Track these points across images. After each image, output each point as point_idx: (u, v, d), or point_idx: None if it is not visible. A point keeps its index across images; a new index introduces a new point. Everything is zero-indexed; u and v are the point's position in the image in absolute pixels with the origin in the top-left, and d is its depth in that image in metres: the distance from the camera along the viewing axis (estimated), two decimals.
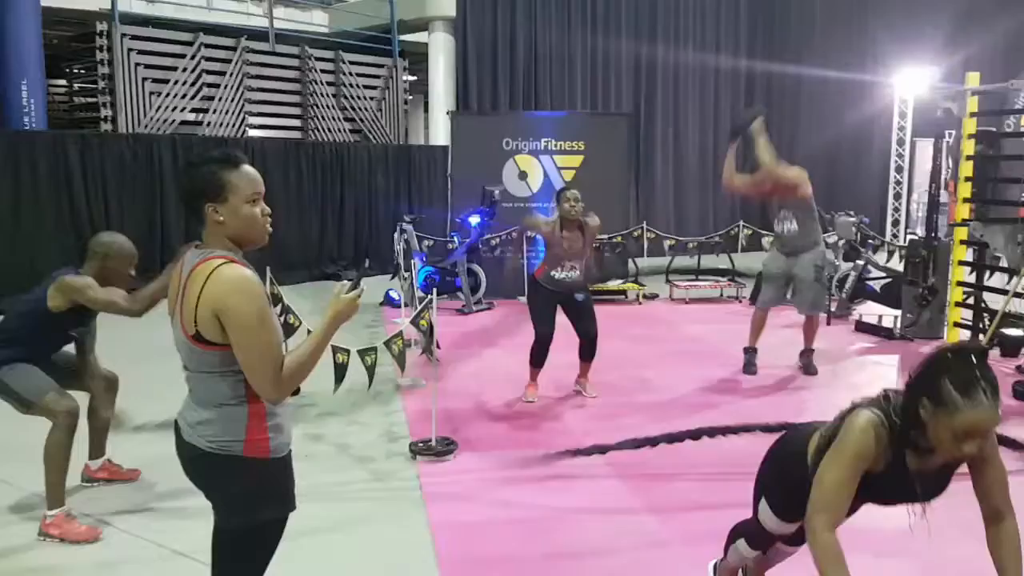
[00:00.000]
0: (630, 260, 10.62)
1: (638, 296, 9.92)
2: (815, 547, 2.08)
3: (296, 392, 5.92)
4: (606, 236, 10.01)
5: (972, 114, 7.28)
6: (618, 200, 10.60)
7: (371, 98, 13.44)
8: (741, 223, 11.63)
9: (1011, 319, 6.87)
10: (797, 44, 15.00)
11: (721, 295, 10.10)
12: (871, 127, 14.66)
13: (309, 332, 4.40)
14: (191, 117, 11.43)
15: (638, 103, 14.88)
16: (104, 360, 4.16)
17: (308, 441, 4.83)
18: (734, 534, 2.78)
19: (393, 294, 9.27)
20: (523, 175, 10.23)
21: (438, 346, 5.21)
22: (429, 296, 4.90)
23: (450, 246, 9.74)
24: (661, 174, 15.14)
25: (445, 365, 6.31)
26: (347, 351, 4.45)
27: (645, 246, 11.08)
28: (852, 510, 2.22)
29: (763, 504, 2.52)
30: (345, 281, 2.20)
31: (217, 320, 1.93)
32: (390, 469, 4.41)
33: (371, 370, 4.55)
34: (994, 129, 7.77)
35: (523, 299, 9.11)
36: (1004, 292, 6.93)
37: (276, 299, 5.35)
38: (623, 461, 4.39)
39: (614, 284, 10.04)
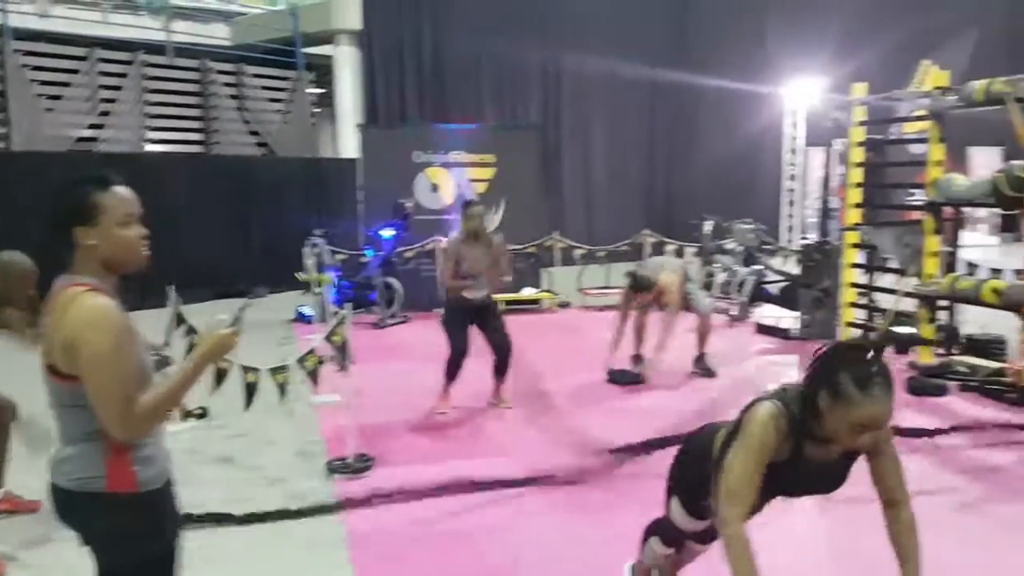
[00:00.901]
0: (543, 270, 10.78)
1: (551, 305, 10.06)
2: (725, 537, 2.16)
3: (203, 414, 5.80)
4: (519, 247, 10.12)
5: (859, 123, 7.70)
6: (530, 211, 10.74)
7: (276, 111, 13.23)
8: (647, 231, 11.92)
9: (900, 318, 7.28)
10: (699, 55, 15.47)
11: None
12: (766, 136, 15.24)
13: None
14: (88, 133, 11.03)
15: (546, 113, 15.09)
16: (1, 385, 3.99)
17: (219, 464, 4.73)
18: (648, 532, 2.87)
19: (305, 310, 9.14)
20: (435, 187, 10.26)
21: (353, 361, 5.18)
22: (343, 311, 4.88)
23: (363, 260, 9.68)
24: (571, 184, 15.39)
25: (361, 380, 6.26)
26: (257, 370, 4.39)
27: (557, 256, 11.24)
28: (759, 506, 2.31)
29: (674, 502, 2.62)
30: (221, 316, 2.11)
31: (70, 351, 1.84)
32: (306, 488, 4.36)
33: (283, 388, 4.49)
34: (880, 137, 8.22)
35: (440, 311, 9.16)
36: (894, 292, 7.35)
37: (180, 320, 5.22)
38: (542, 469, 4.45)
39: (528, 294, 10.17)
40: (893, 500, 2.26)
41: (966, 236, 10.08)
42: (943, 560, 2.36)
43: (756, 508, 2.30)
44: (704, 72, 14.91)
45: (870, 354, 2.06)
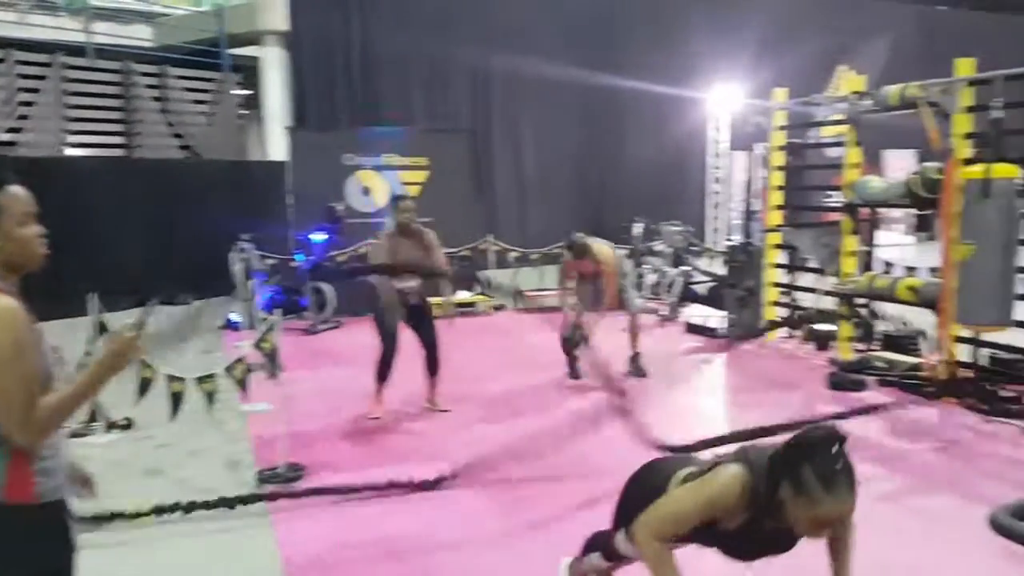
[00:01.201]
0: (478, 273, 10.81)
1: (487, 308, 10.10)
2: (645, 555, 2.21)
3: (128, 425, 5.66)
4: (454, 250, 10.13)
5: (779, 127, 7.95)
6: (464, 214, 10.77)
7: (201, 114, 12.93)
8: (580, 234, 12.04)
9: (821, 315, 7.54)
10: (626, 59, 15.69)
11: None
12: (692, 140, 15.57)
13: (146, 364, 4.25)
14: (5, 137, 10.60)
15: (478, 116, 15.11)
16: None
17: (146, 475, 4.62)
18: (591, 545, 2.85)
19: (234, 317, 8.98)
20: (367, 191, 10.19)
21: (283, 369, 5.11)
22: (272, 317, 4.82)
23: (293, 265, 9.55)
24: (503, 187, 15.43)
25: (291, 387, 6.18)
26: (182, 379, 4.31)
27: (492, 259, 11.29)
28: (688, 541, 2.31)
29: (620, 534, 2.57)
30: (127, 320, 2.08)
31: None
32: (236, 499, 4.28)
33: (211, 397, 4.42)
34: (800, 141, 8.49)
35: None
36: (814, 291, 7.61)
37: (102, 328, 5.09)
38: (473, 472, 4.48)
39: (463, 297, 10.18)
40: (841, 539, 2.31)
41: (882, 236, 10.50)
42: (865, 550, 2.46)
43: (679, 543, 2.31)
44: (631, 76, 15.13)
45: (836, 447, 2.02)
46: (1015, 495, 3.82)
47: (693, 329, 8.64)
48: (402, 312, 5.62)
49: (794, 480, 2.00)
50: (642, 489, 2.52)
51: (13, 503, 1.88)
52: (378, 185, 10.24)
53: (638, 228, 11.64)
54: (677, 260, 10.28)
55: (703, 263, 10.88)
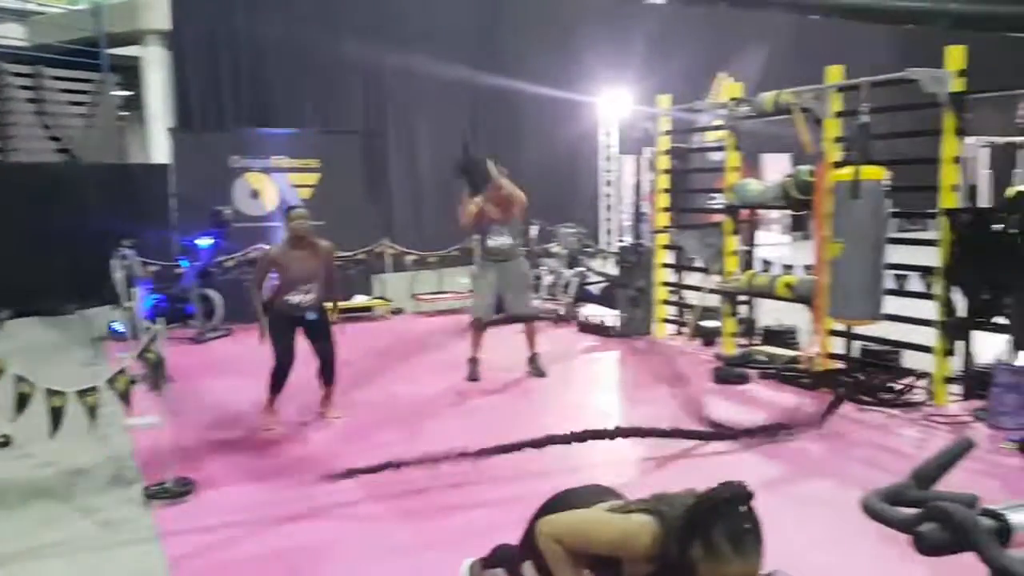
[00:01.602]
0: (374, 277, 10.72)
1: (384, 312, 10.04)
2: (547, 552, 2.22)
3: (6, 443, 5.39)
4: (349, 253, 10.01)
5: (665, 132, 8.22)
6: (358, 217, 10.64)
7: (79, 115, 12.35)
8: (476, 236, 12.11)
9: (707, 312, 7.85)
10: (516, 61, 15.87)
11: (464, 306, 10.46)
12: (584, 144, 15.91)
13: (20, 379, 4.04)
14: None
15: (371, 117, 15.00)
16: None
17: (27, 495, 4.39)
18: (497, 559, 2.85)
19: (117, 326, 8.61)
20: (255, 194, 9.96)
21: (169, 379, 4.96)
22: (156, 326, 4.66)
23: (178, 271, 9.23)
24: (398, 190, 15.36)
25: (179, 399, 5.98)
26: (63, 393, 4.12)
27: (388, 262, 11.21)
28: (586, 567, 2.30)
29: (528, 566, 2.54)
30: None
31: None
32: (122, 517, 4.13)
33: (92, 411, 4.23)
34: (684, 145, 8.81)
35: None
36: (699, 289, 7.91)
37: None
38: (374, 482, 4.45)
39: (359, 301, 10.07)
40: None
41: (762, 236, 10.99)
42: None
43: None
44: (523, 78, 15.31)
45: (744, 507, 2.07)
46: (886, 480, 4.08)
47: (588, 328, 8.83)
48: (296, 323, 5.53)
49: (705, 541, 2.03)
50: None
51: None
52: (267, 188, 10.01)
53: (534, 230, 11.81)
54: (572, 261, 10.48)
55: (597, 264, 11.13)
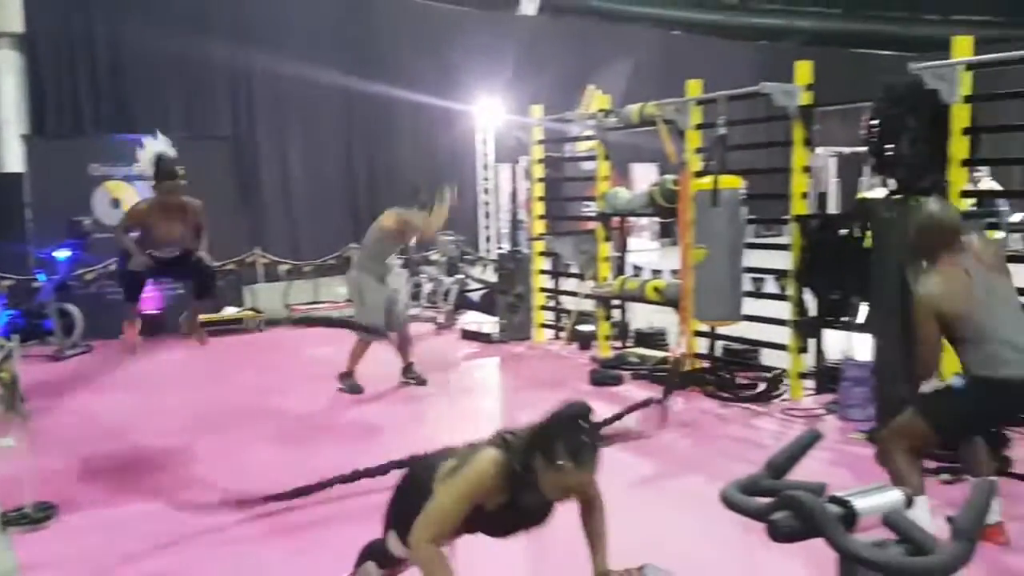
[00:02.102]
0: (245, 288, 10.42)
1: (258, 324, 9.77)
2: (418, 559, 2.31)
3: None
4: (218, 263, 9.66)
5: (538, 142, 8.42)
6: (227, 226, 10.26)
7: None
8: (353, 245, 11.98)
9: (583, 317, 8.07)
10: (389, 66, 15.75)
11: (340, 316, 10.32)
12: (462, 151, 15.99)
13: None
14: None
15: (240, 122, 14.55)
16: None
17: None
18: (364, 555, 2.88)
19: None
20: (117, 203, 9.48)
21: (24, 399, 4.67)
22: (9, 343, 4.40)
23: (35, 285, 8.69)
24: (270, 198, 14.96)
25: (37, 419, 5.65)
26: None
27: (260, 272, 10.92)
28: (459, 533, 2.47)
29: (391, 535, 2.65)
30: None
31: None
32: None
33: None
34: (557, 155, 9.03)
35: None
36: (575, 294, 8.13)
37: None
38: (251, 495, 4.35)
39: (230, 313, 9.76)
40: (588, 501, 2.57)
41: (633, 242, 11.38)
42: (625, 534, 2.71)
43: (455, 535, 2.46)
44: (397, 84, 15.24)
45: (584, 422, 2.31)
46: (749, 471, 4.36)
47: (468, 335, 8.91)
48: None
49: (547, 453, 2.26)
50: (409, 488, 2.65)
51: None
52: (129, 197, 9.55)
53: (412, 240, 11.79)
54: (451, 269, 10.53)
55: (477, 271, 11.23)
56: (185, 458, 5.17)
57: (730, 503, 1.68)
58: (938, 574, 1.37)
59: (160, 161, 5.48)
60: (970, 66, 4.59)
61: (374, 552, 2.83)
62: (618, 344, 7.79)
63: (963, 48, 4.69)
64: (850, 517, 1.53)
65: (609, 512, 2.64)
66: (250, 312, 9.95)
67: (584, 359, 7.63)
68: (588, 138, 8.03)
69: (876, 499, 1.56)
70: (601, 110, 7.53)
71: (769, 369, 6.42)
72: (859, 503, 1.54)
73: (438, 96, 15.51)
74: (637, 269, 7.69)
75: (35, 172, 9.47)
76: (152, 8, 13.26)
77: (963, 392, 3.42)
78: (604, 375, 6.85)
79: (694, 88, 6.72)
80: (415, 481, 2.63)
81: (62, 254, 8.42)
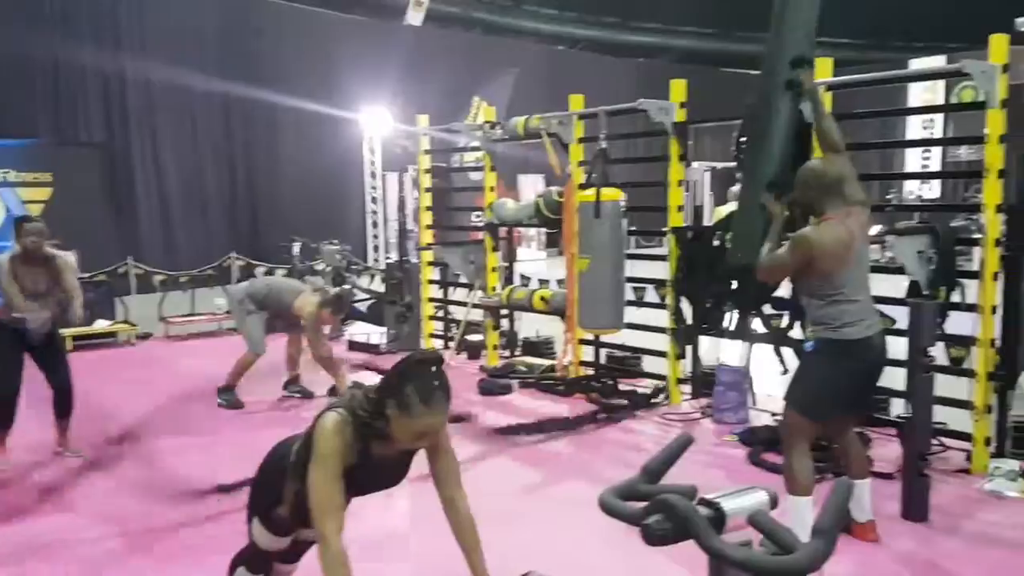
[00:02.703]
0: (118, 299, 9.94)
1: (129, 337, 9.34)
2: (326, 556, 2.27)
3: None
4: (87, 275, 9.19)
5: (425, 151, 8.42)
6: (99, 235, 9.86)
7: None
8: (234, 254, 11.65)
9: (472, 327, 8.12)
10: (270, 71, 15.42)
11: (219, 328, 9.99)
12: (348, 160, 15.81)
13: None
14: None
15: (113, 128, 13.95)
16: None
17: None
18: (234, 564, 2.85)
19: None
20: None
21: None
22: None
23: None
24: (145, 205, 14.38)
25: None
26: None
27: (133, 283, 10.46)
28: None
29: (255, 524, 2.67)
30: None
31: None
32: None
33: None
34: (445, 165, 9.07)
35: None
36: (464, 304, 8.17)
37: None
38: (116, 522, 4.16)
39: (101, 326, 9.29)
40: (451, 499, 2.53)
41: (522, 252, 11.54)
42: (512, 542, 2.75)
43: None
44: (280, 91, 14.93)
45: (434, 368, 2.33)
46: (629, 476, 4.49)
47: (356, 346, 8.80)
48: (24, 345, 5.02)
49: (398, 399, 2.29)
50: (265, 474, 2.67)
51: None
52: None
53: (296, 247, 11.53)
54: (337, 279, 10.37)
55: (365, 281, 11.10)
56: (47, 480, 4.89)
57: (607, 508, 1.74)
58: (796, 571, 1.46)
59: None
60: (830, 87, 4.90)
61: (243, 558, 2.80)
62: (507, 353, 7.87)
63: (824, 70, 5.01)
64: (720, 518, 1.60)
65: (495, 520, 2.67)
66: (123, 325, 9.50)
67: (473, 369, 7.67)
68: (475, 149, 8.10)
69: (743, 500, 1.64)
70: (487, 121, 7.61)
71: (650, 376, 6.64)
72: (727, 505, 1.62)
73: (324, 103, 15.29)
74: (525, 279, 7.81)
75: None
76: (19, 9, 12.54)
77: (815, 353, 3.64)
78: (492, 384, 6.91)
79: (576, 102, 6.89)
80: (270, 467, 2.65)
81: None
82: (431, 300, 8.64)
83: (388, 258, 11.83)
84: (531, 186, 15.60)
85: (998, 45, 4.52)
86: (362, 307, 9.88)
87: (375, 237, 14.75)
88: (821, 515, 1.53)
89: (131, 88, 14.19)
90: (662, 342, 6.37)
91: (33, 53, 12.62)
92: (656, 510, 1.60)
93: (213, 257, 12.34)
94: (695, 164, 15.97)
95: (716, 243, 5.82)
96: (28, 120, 12.57)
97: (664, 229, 6.31)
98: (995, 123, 4.51)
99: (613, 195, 6.19)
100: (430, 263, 8.56)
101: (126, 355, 8.88)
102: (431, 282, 8.63)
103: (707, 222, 7.49)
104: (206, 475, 4.65)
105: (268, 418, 6.26)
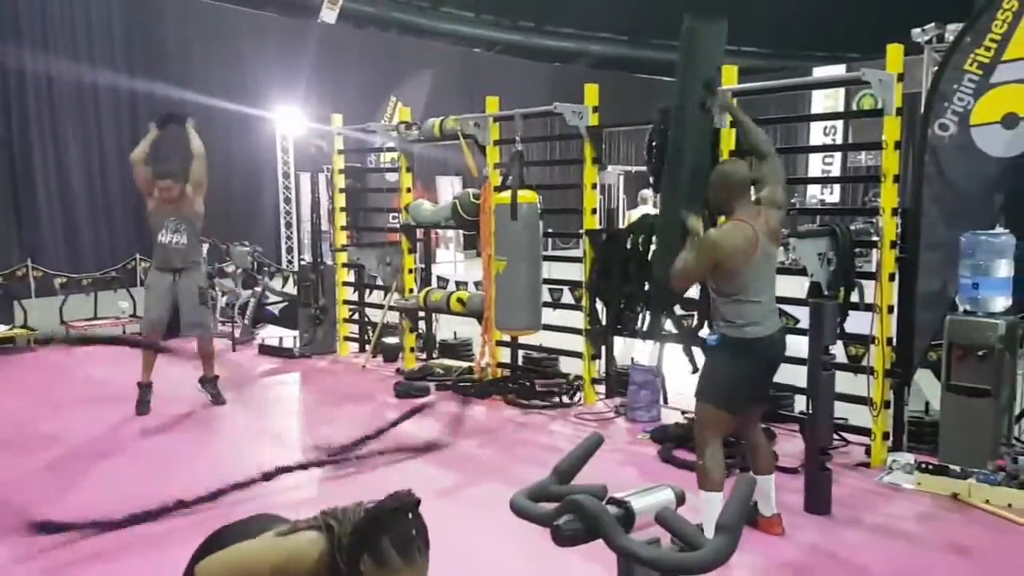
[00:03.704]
0: (16, 303, 9.47)
1: (29, 342, 8.90)
2: None
3: None
4: None
5: (339, 151, 8.31)
6: None
7: None
8: (138, 256, 11.25)
9: (388, 329, 8.04)
10: (179, 68, 14.98)
11: (124, 332, 9.62)
12: (260, 159, 15.47)
13: None
14: None
15: (12, 124, 13.33)
16: None
17: None
18: None
19: None
20: None
21: None
22: None
23: None
24: (45, 205, 13.76)
25: None
26: None
27: (32, 286, 9.99)
28: None
29: None
30: None
31: None
32: None
33: None
34: (360, 165, 8.96)
35: None
36: (380, 307, 8.08)
37: None
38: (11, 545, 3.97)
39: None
40: None
41: (440, 253, 11.48)
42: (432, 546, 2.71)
43: None
44: (189, 88, 14.49)
45: (411, 515, 2.10)
46: (543, 476, 4.52)
47: (268, 350, 8.60)
48: None
49: (374, 553, 2.06)
50: (211, 548, 2.33)
51: None
52: None
53: (204, 248, 11.19)
54: (248, 280, 10.13)
55: (278, 283, 10.87)
56: None
57: (518, 511, 1.74)
58: (701, 566, 1.50)
59: None
60: (736, 93, 5.05)
61: None
62: (424, 356, 7.83)
63: (729, 77, 5.16)
64: (629, 517, 1.62)
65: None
66: (21, 330, 9.05)
67: (390, 372, 7.60)
68: (391, 149, 8.03)
69: (651, 498, 1.67)
70: (403, 122, 7.56)
71: (566, 376, 6.71)
72: (636, 503, 1.64)
73: (236, 101, 14.90)
74: (442, 280, 7.78)
75: None
76: None
77: (718, 348, 3.76)
78: (409, 387, 6.86)
79: (492, 104, 6.91)
80: (219, 543, 2.32)
81: None
82: (346, 303, 8.53)
83: (302, 260, 11.61)
84: (449, 187, 15.57)
85: (894, 55, 4.74)
86: (274, 310, 9.69)
87: (288, 238, 14.47)
88: (724, 511, 1.57)
89: (31, 84, 13.59)
90: (578, 343, 6.44)
91: None
92: (566, 511, 1.61)
93: (118, 259, 11.91)
94: (610, 168, 16.25)
95: (629, 246, 5.93)
96: None
97: (580, 232, 6.38)
98: (891, 130, 4.73)
99: (529, 197, 6.23)
100: (345, 265, 8.45)
101: (26, 361, 8.46)
102: (346, 284, 8.51)
103: (621, 225, 7.59)
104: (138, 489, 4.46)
105: (181, 428, 6.06)
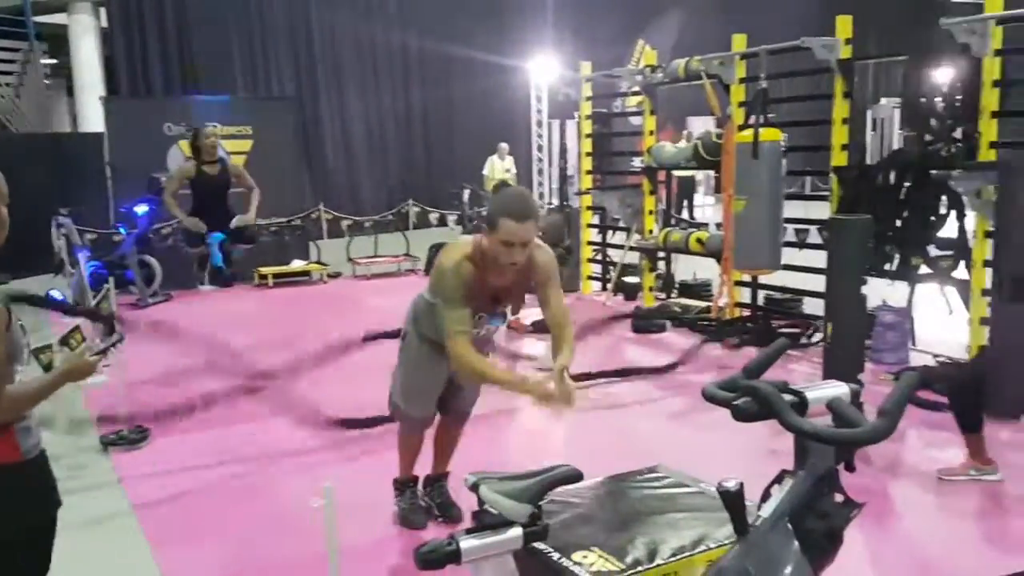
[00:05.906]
0: (311, 243, 10.95)
1: (322, 276, 10.30)
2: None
3: None
4: (285, 219, 10.21)
5: (587, 98, 8.63)
6: (292, 184, 10.86)
7: (7, 84, 12.19)
8: (411, 201, 12.41)
9: (628, 269, 8.34)
10: (448, 25, 15.88)
11: (399, 270, 10.77)
12: (517, 109, 16.19)
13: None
14: None
15: (302, 81, 15.01)
16: None
17: None
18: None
19: (55, 293, 8.70)
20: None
21: (119, 329, 5.17)
22: (106, 285, 4.90)
23: (116, 238, 9.35)
24: (332, 155, 15.47)
25: (127, 359, 6.21)
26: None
27: (324, 228, 11.44)
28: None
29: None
30: (97, 341, 2.33)
31: None
32: (82, 463, 4.43)
33: (47, 368, 4.46)
34: (606, 110, 9.23)
35: (204, 287, 9.17)
36: (621, 247, 8.40)
37: None
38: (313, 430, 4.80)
39: (297, 266, 10.31)
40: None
41: (697, 197, 11.42)
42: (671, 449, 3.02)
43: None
44: (455, 43, 15.45)
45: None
46: None
47: None
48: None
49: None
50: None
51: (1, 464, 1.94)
52: None
53: (466, 194, 12.13)
54: None
55: None
56: (268, 390, 5.64)
57: (707, 395, 2.00)
58: (853, 440, 1.69)
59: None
60: (1000, 20, 4.68)
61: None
62: (663, 295, 8.04)
63: (994, 2, 4.78)
64: (803, 404, 1.84)
65: (649, 435, 2.94)
66: (316, 264, 10.49)
67: (629, 309, 7.90)
68: (636, 93, 8.21)
69: (827, 391, 1.87)
70: (648, 65, 7.71)
71: (808, 317, 6.62)
72: (811, 393, 1.85)
73: (494, 53, 15.67)
74: (681, 222, 7.89)
75: (113, 132, 10.08)
76: None
77: None
78: (646, 323, 7.13)
79: (738, 42, 6.85)
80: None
81: (141, 209, 9.02)
82: (590, 243, 8.92)
83: (550, 204, 12.18)
84: (701, 128, 15.34)
85: None
86: None
87: (540, 184, 15.12)
88: (887, 399, 1.72)
89: (318, 43, 15.18)
90: (823, 283, 6.31)
91: (228, 13, 13.81)
92: (746, 394, 1.86)
93: (392, 203, 13.20)
94: (883, 100, 15.05)
95: (879, 182, 5.71)
96: (229, 76, 13.83)
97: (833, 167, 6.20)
98: None
99: (772, 135, 6.17)
100: (589, 208, 8.82)
101: (320, 291, 9.82)
102: (590, 226, 8.90)
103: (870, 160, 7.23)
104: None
105: None
